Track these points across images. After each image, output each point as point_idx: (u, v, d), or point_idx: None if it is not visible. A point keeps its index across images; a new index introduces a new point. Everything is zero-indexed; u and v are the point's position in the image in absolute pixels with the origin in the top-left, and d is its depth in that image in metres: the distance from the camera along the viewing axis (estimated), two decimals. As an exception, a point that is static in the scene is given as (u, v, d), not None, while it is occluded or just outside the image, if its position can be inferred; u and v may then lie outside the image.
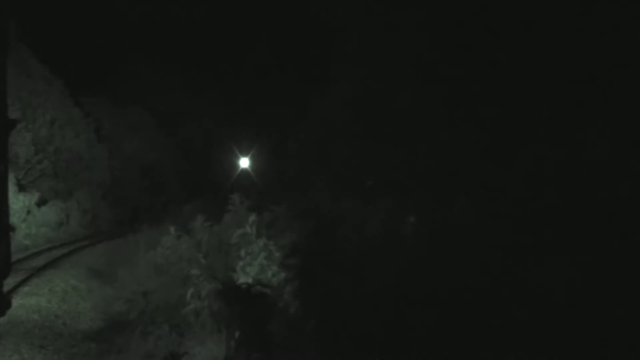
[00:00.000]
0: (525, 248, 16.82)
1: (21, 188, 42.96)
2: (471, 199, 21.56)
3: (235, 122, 75.05)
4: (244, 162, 62.70)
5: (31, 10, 52.90)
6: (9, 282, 22.62)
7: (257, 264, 19.15)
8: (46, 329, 18.78)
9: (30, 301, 21.68)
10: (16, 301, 20.64)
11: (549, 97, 22.13)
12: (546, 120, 21.82)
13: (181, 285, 20.20)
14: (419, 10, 30.16)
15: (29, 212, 41.84)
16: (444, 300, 15.64)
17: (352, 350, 15.22)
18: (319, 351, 15.64)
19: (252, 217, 21.19)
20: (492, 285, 15.85)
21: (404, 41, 31.43)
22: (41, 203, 44.58)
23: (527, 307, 14.77)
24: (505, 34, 25.00)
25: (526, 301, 14.97)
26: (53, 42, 60.70)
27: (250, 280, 18.66)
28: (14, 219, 38.17)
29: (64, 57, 60.78)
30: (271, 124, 62.20)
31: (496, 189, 21.96)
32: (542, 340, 14.02)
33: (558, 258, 15.78)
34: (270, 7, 74.53)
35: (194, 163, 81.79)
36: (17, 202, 40.06)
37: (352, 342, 15.34)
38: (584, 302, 14.33)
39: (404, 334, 15.07)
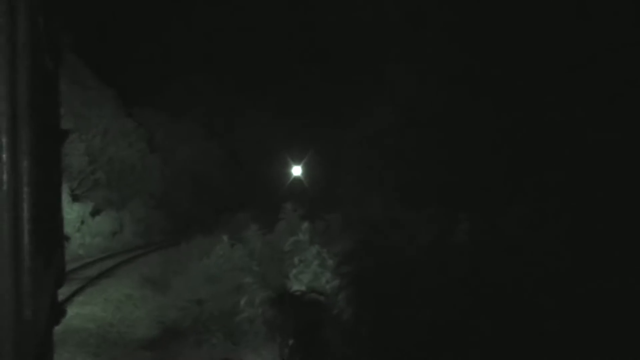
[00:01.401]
0: (581, 259, 16.54)
1: (75, 198, 43.30)
2: (524, 207, 21.30)
3: (287, 131, 75.17)
4: (296, 171, 62.78)
5: (84, 21, 53.40)
6: (64, 292, 22.70)
7: (311, 272, 19.04)
8: (101, 337, 18.80)
9: (84, 310, 21.77)
10: (71, 310, 20.68)
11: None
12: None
13: (235, 293, 20.13)
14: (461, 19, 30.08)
15: (82, 222, 42.16)
16: (498, 309, 15.41)
17: (406, 359, 15.06)
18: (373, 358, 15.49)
19: (305, 225, 21.09)
20: (546, 295, 15.59)
21: (452, 51, 31.30)
22: (95, 213, 44.91)
23: (584, 319, 14.50)
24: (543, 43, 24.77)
25: (582, 314, 14.70)
26: (105, 53, 61.33)
27: (303, 288, 18.55)
28: (68, 229, 38.44)
29: (117, 68, 61.39)
30: (323, 133, 62.18)
31: (551, 196, 21.67)
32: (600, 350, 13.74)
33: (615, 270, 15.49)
34: (319, 14, 74.43)
35: (246, 172, 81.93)
36: (71, 212, 40.35)
37: (406, 351, 15.18)
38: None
39: (458, 343, 14.87)
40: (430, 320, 15.56)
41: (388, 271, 18.16)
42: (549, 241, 17.79)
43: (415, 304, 16.19)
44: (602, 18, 23.33)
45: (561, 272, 16.09)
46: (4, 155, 3.57)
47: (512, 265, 17.02)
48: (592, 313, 14.45)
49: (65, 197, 38.38)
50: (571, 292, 15.28)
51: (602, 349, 13.57)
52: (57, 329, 8.15)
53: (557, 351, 13.93)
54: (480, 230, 20.29)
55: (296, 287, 18.81)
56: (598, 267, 15.94)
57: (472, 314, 15.39)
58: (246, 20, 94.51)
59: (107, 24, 73.20)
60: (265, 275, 20.58)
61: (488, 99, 28.53)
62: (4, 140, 3.58)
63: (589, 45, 23.51)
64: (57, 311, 6.97)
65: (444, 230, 21.18)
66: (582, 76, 23.50)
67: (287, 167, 64.86)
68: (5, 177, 3.55)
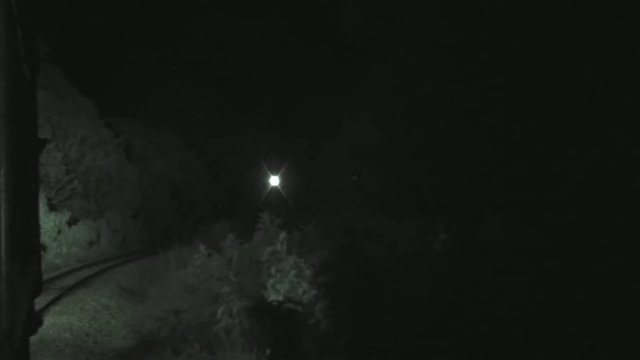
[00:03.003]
0: (556, 269, 16.63)
1: (52, 207, 43.21)
2: (501, 216, 21.42)
3: (265, 141, 75.27)
4: (274, 181, 62.83)
5: (62, 30, 53.33)
6: (41, 301, 22.65)
7: (288, 281, 19.06)
8: (77, 347, 18.72)
9: (61, 320, 21.69)
10: (47, 320, 20.64)
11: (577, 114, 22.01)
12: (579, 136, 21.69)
13: (212, 303, 20.14)
14: (445, 31, 30.18)
15: (59, 231, 42.04)
16: (476, 320, 15.48)
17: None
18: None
19: (283, 235, 21.11)
20: (522, 304, 15.68)
21: (432, 57, 31.39)
22: (72, 222, 44.84)
23: (559, 330, 14.58)
24: (529, 46, 24.91)
25: (558, 324, 14.77)
26: (84, 63, 61.26)
27: (281, 298, 18.56)
28: (45, 238, 38.35)
29: (95, 78, 61.29)
30: (301, 143, 62.33)
31: (527, 207, 21.81)
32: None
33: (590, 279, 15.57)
34: (298, 25, 74.69)
35: (223, 182, 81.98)
36: (48, 221, 40.25)
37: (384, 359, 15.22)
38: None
39: (436, 352, 14.92)
40: (408, 331, 15.61)
41: (366, 281, 18.21)
42: (529, 252, 17.89)
43: (393, 314, 16.23)
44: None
45: (541, 283, 16.17)
46: (-19, 164, 3.57)
47: (491, 275, 17.10)
48: (573, 321, 14.54)
49: (42, 207, 38.25)
50: (551, 301, 15.36)
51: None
52: (34, 338, 8.16)
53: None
54: (458, 240, 20.37)
55: (273, 297, 18.80)
56: (580, 275, 16.03)
57: (451, 324, 15.45)
58: (225, 31, 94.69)
59: (86, 34, 73.10)
60: (242, 285, 20.58)
61: (469, 110, 28.67)
62: (-19, 147, 3.58)
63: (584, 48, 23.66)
64: (34, 320, 6.96)
65: (423, 240, 21.25)
66: (572, 81, 23.63)
67: (265, 177, 64.86)
68: (-19, 184, 3.56)
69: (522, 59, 25.73)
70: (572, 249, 16.88)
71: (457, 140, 29.25)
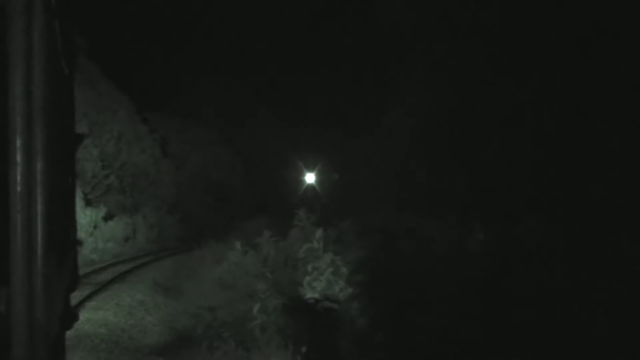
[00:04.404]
0: (595, 269, 16.45)
1: (88, 203, 43.35)
2: (540, 217, 21.23)
3: (301, 138, 75.23)
4: (310, 178, 62.74)
5: (99, 26, 53.57)
6: (76, 296, 22.69)
7: (324, 279, 18.97)
8: (112, 343, 18.74)
9: (97, 315, 21.74)
10: (83, 315, 20.68)
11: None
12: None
13: (247, 300, 20.07)
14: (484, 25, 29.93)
15: (95, 226, 42.18)
16: (513, 319, 15.35)
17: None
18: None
19: (319, 232, 21.02)
20: (562, 304, 15.52)
21: (469, 55, 31.17)
22: (108, 218, 44.95)
23: (598, 328, 14.40)
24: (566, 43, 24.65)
25: (596, 323, 14.60)
26: (120, 59, 61.47)
27: (317, 296, 18.49)
28: (81, 234, 38.47)
29: (131, 74, 61.50)
30: (338, 140, 62.22)
31: (566, 208, 21.60)
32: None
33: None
34: (335, 20, 74.58)
35: (259, 179, 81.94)
36: (84, 216, 40.40)
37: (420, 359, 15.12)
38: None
39: (472, 352, 14.80)
40: (444, 329, 15.49)
41: (402, 279, 18.10)
42: (564, 252, 17.72)
43: (430, 313, 16.13)
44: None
45: (575, 283, 16.00)
46: (18, 156, 3.54)
47: (527, 275, 16.94)
48: (606, 321, 14.37)
49: (79, 202, 38.43)
50: (586, 302, 15.20)
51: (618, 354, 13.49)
52: (69, 333, 8.11)
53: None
54: (495, 239, 20.22)
55: (309, 294, 18.75)
56: (612, 276, 15.85)
57: (487, 322, 15.32)
58: (262, 27, 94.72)
59: (123, 30, 73.39)
60: (278, 282, 20.52)
61: (506, 106, 28.42)
62: (19, 141, 3.55)
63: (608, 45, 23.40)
64: (70, 315, 6.92)
65: (459, 238, 21.12)
66: (604, 79, 23.37)
67: (300, 174, 64.78)
68: (19, 177, 3.52)
69: (567, 55, 25.50)
70: (612, 249, 16.71)
71: (494, 139, 29.03)
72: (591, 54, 24.08)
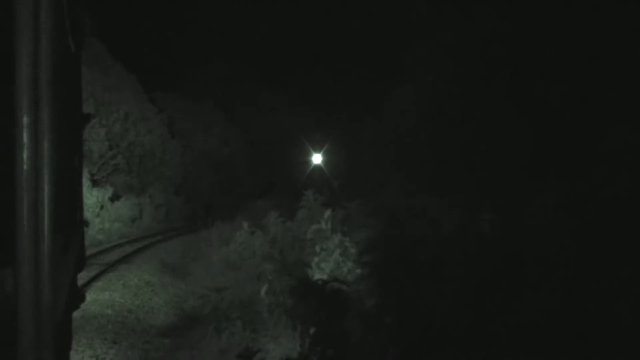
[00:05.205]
0: (605, 251, 16.34)
1: (95, 183, 43.38)
2: (550, 198, 21.11)
3: (308, 119, 75.20)
4: (317, 159, 62.65)
5: (106, 5, 53.46)
6: (83, 277, 22.70)
7: (333, 260, 18.95)
8: (119, 324, 18.72)
9: (103, 296, 21.72)
10: (90, 296, 20.68)
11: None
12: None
13: (255, 281, 20.08)
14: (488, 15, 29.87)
15: (102, 207, 42.19)
16: (521, 300, 15.27)
17: (430, 348, 14.93)
18: (396, 349, 15.37)
19: (328, 213, 21.00)
20: (571, 285, 15.43)
21: (475, 36, 31.08)
22: (114, 198, 44.94)
23: (609, 312, 14.30)
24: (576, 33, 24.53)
25: (607, 307, 14.50)
26: (127, 38, 61.37)
27: (325, 277, 18.45)
28: (87, 214, 38.53)
29: (138, 53, 61.43)
30: (344, 121, 62.16)
31: (578, 187, 21.48)
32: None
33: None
34: (345, 3, 74.45)
35: (266, 159, 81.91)
36: (91, 197, 40.42)
37: (428, 340, 15.06)
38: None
39: (481, 332, 14.74)
40: (452, 309, 15.44)
41: (410, 260, 18.05)
42: (573, 232, 17.62)
43: (438, 293, 16.08)
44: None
45: (585, 264, 15.91)
46: (25, 135, 3.48)
47: (536, 255, 16.86)
48: (618, 305, 14.26)
49: (85, 182, 38.43)
50: (595, 284, 15.10)
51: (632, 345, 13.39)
52: (76, 314, 8.07)
53: (582, 344, 13.76)
54: (503, 219, 20.14)
55: (318, 275, 18.72)
56: (623, 258, 15.74)
57: (495, 303, 15.26)
58: (272, 9, 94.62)
59: (130, 9, 73.30)
60: (286, 263, 20.52)
61: (513, 89, 28.32)
62: (25, 120, 3.48)
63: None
64: (77, 296, 6.89)
65: (467, 219, 21.05)
66: (610, 71, 23.26)
67: (307, 155, 64.72)
68: (25, 156, 3.46)
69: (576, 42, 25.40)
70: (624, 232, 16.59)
71: (501, 119, 28.94)
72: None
